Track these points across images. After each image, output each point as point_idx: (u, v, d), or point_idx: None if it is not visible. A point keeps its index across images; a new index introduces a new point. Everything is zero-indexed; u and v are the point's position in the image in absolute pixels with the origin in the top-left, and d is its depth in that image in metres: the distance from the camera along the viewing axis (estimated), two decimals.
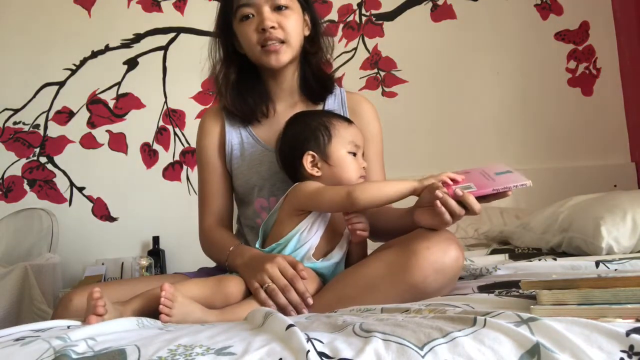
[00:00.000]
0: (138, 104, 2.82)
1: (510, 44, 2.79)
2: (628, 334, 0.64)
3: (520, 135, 2.74)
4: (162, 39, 2.84)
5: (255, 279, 1.03)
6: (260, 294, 1.01)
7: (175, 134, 2.82)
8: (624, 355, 0.63)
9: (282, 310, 0.99)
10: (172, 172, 2.81)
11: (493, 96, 2.78)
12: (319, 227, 1.11)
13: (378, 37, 2.84)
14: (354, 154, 1.16)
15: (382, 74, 2.82)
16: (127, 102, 2.81)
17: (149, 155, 2.81)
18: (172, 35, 2.84)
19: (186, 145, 2.82)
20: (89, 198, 2.78)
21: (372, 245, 1.17)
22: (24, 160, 2.78)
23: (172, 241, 2.69)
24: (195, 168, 2.52)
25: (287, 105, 1.33)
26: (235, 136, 1.33)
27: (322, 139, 1.14)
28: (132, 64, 2.83)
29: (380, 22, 2.85)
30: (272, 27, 1.20)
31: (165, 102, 2.83)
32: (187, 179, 2.80)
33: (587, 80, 2.79)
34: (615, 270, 1.22)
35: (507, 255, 1.57)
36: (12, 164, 2.77)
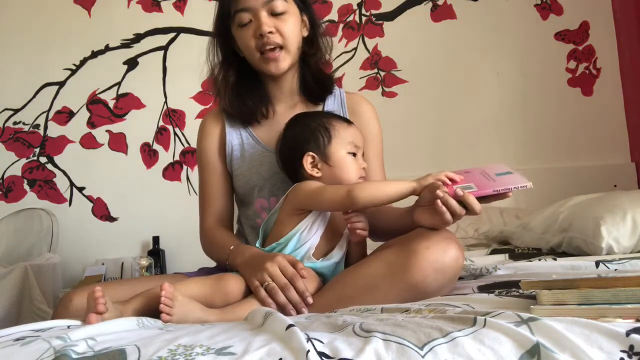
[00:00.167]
0: (138, 104, 2.82)
1: (510, 44, 2.79)
2: (628, 334, 0.64)
3: (520, 135, 2.74)
4: (162, 39, 2.84)
5: (255, 278, 1.03)
6: (260, 292, 1.01)
7: (175, 134, 2.82)
8: (624, 355, 0.63)
9: (282, 309, 0.99)
10: (172, 172, 2.81)
11: (493, 96, 2.78)
12: (319, 227, 1.11)
13: (378, 37, 2.84)
14: (354, 155, 1.16)
15: (382, 74, 2.82)
16: (127, 102, 2.81)
17: (149, 155, 2.81)
18: (172, 35, 2.84)
19: (186, 145, 2.82)
20: (89, 198, 2.78)
21: (372, 245, 1.17)
22: (24, 160, 2.78)
23: (172, 241, 2.69)
24: (196, 168, 2.53)
25: (287, 106, 1.33)
26: (235, 137, 1.33)
27: (321, 139, 1.14)
28: (132, 64, 2.83)
29: (380, 22, 2.85)
30: (270, 32, 1.20)
31: (165, 102, 2.83)
32: (187, 179, 2.80)
33: (587, 80, 2.79)
34: (615, 270, 1.22)
35: (507, 255, 1.57)
36: (12, 164, 2.77)
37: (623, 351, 0.63)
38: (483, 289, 1.05)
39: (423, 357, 0.63)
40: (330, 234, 1.13)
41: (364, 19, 2.85)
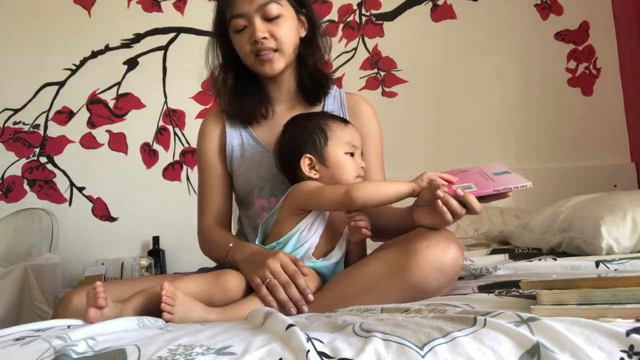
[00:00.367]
0: (138, 104, 2.82)
1: (510, 44, 2.79)
2: (628, 334, 0.64)
3: (521, 135, 2.74)
4: (162, 39, 2.84)
5: (256, 275, 1.03)
6: (262, 290, 1.01)
7: (175, 134, 2.82)
8: (624, 355, 0.63)
9: (282, 306, 0.99)
10: (172, 172, 2.81)
11: (493, 96, 2.78)
12: (319, 227, 1.11)
13: (378, 37, 2.84)
14: (352, 154, 1.16)
15: (382, 74, 2.82)
16: (127, 102, 2.82)
17: (149, 155, 2.81)
18: (172, 35, 2.84)
19: (186, 145, 2.82)
20: (89, 198, 2.78)
21: (371, 245, 1.17)
22: (24, 160, 2.78)
23: (172, 241, 2.69)
24: (196, 168, 2.53)
25: (286, 107, 1.34)
26: (235, 138, 1.34)
27: (318, 141, 1.15)
28: (132, 64, 2.83)
29: (380, 22, 2.85)
30: (264, 38, 1.20)
31: (165, 102, 2.83)
32: (187, 179, 2.80)
33: (587, 80, 2.79)
34: (615, 270, 1.22)
35: (507, 255, 1.57)
36: (12, 164, 2.77)
37: (623, 351, 0.63)
38: (483, 289, 1.05)
39: (423, 357, 0.63)
40: (329, 234, 1.13)
41: (364, 19, 2.85)
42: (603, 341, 0.64)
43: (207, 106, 2.79)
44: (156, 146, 2.82)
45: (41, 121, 2.79)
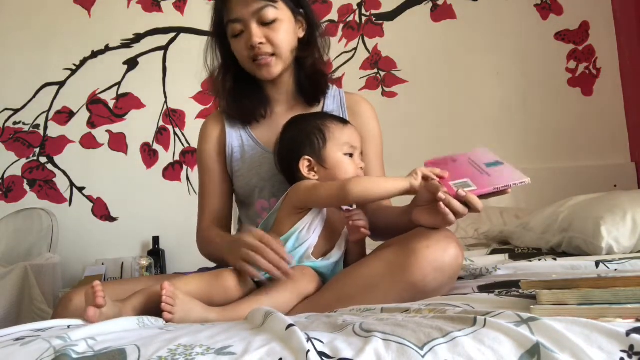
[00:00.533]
0: (138, 104, 2.82)
1: (510, 44, 2.79)
2: (628, 334, 0.64)
3: (521, 135, 2.74)
4: (162, 39, 2.84)
5: (238, 256, 1.03)
6: (246, 268, 1.01)
7: (175, 134, 2.82)
8: (624, 355, 0.63)
9: (268, 270, 0.99)
10: (172, 172, 2.81)
11: (493, 96, 2.78)
12: (318, 227, 1.11)
13: (378, 37, 2.84)
14: (351, 155, 1.16)
15: (382, 74, 2.82)
16: (127, 102, 2.81)
17: (149, 155, 2.81)
18: (172, 35, 2.84)
19: (186, 145, 2.82)
20: (89, 198, 2.78)
21: (371, 245, 1.17)
22: (24, 160, 2.78)
23: (172, 241, 2.69)
24: (196, 168, 2.53)
25: (285, 107, 1.34)
26: (235, 139, 1.34)
27: (317, 143, 1.15)
28: (132, 64, 2.83)
29: (380, 22, 2.85)
30: (261, 44, 1.20)
31: (165, 102, 2.83)
32: (187, 179, 2.80)
33: (587, 80, 2.79)
34: (615, 270, 1.22)
35: (507, 255, 1.57)
36: (12, 164, 2.77)
37: (623, 351, 0.63)
38: (483, 289, 1.05)
39: (423, 357, 0.63)
40: (329, 234, 1.13)
41: (364, 19, 2.85)
42: (603, 341, 0.64)
43: (207, 106, 2.79)
44: (156, 146, 2.82)
45: (41, 121, 2.79)
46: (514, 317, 0.69)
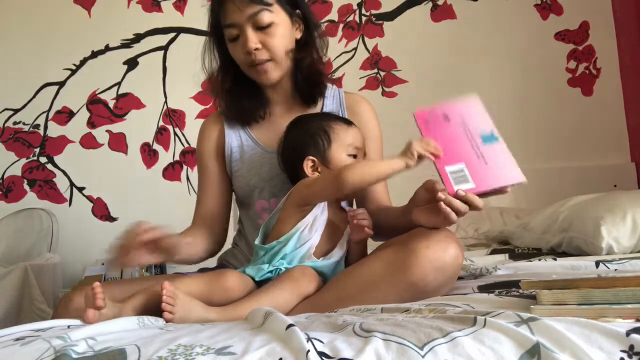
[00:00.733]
0: (138, 104, 2.82)
1: (510, 44, 2.79)
2: (628, 334, 0.64)
3: (520, 135, 2.74)
4: (162, 39, 2.84)
5: None
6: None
7: (175, 134, 2.82)
8: (624, 355, 0.63)
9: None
10: (172, 172, 2.81)
11: (493, 96, 2.78)
12: (319, 226, 1.11)
13: (378, 37, 2.84)
14: (355, 156, 1.17)
15: (382, 74, 2.82)
16: (127, 102, 2.81)
17: (149, 155, 2.81)
18: (172, 35, 2.84)
19: (186, 145, 2.82)
20: (89, 198, 2.78)
21: (371, 245, 1.17)
22: (24, 160, 2.78)
23: None
24: (196, 168, 2.53)
25: (284, 108, 1.34)
26: (234, 139, 1.34)
27: (321, 143, 1.15)
28: (132, 64, 2.83)
29: (380, 22, 2.85)
30: (257, 49, 1.20)
31: (165, 102, 2.83)
32: (187, 179, 2.80)
33: (587, 80, 2.79)
34: (615, 270, 1.22)
35: (507, 255, 1.57)
36: (12, 164, 2.77)
37: (623, 351, 0.63)
38: (483, 289, 1.05)
39: (423, 357, 0.63)
40: (330, 234, 1.13)
41: (364, 19, 2.85)
42: (603, 341, 0.64)
43: (207, 106, 2.79)
44: (156, 146, 2.82)
45: (41, 121, 2.79)
46: (514, 317, 0.69)
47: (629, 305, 0.71)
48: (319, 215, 1.11)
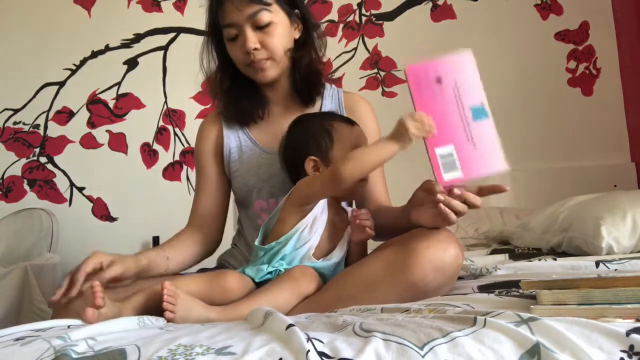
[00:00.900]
0: (138, 104, 2.82)
1: (510, 44, 2.79)
2: (628, 334, 0.64)
3: (520, 135, 2.74)
4: (162, 39, 2.84)
5: None
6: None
7: (175, 134, 2.82)
8: (624, 355, 0.63)
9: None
10: (172, 172, 2.81)
11: (493, 96, 2.77)
12: (319, 227, 1.11)
13: (378, 37, 2.84)
14: None
15: (382, 74, 2.82)
16: (127, 102, 2.81)
17: (149, 155, 2.81)
18: (172, 35, 2.84)
19: (186, 145, 2.82)
20: (89, 198, 2.78)
21: (371, 245, 1.17)
22: (24, 160, 2.78)
23: None
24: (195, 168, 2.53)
25: (283, 108, 1.34)
26: (233, 139, 1.34)
27: (323, 143, 1.15)
28: (132, 64, 2.83)
29: (380, 22, 2.85)
30: (255, 49, 1.20)
31: (165, 102, 2.83)
32: (187, 179, 2.80)
33: (587, 80, 2.79)
34: (615, 270, 1.22)
35: (507, 255, 1.57)
36: (12, 164, 2.77)
37: (623, 351, 0.63)
38: (483, 289, 1.05)
39: (423, 357, 0.63)
40: (330, 234, 1.13)
41: (364, 19, 2.85)
42: (603, 341, 0.64)
43: (207, 106, 2.79)
44: (156, 146, 2.82)
45: (41, 121, 2.79)
46: (514, 317, 0.69)
47: (629, 305, 0.71)
48: (319, 216, 1.11)
